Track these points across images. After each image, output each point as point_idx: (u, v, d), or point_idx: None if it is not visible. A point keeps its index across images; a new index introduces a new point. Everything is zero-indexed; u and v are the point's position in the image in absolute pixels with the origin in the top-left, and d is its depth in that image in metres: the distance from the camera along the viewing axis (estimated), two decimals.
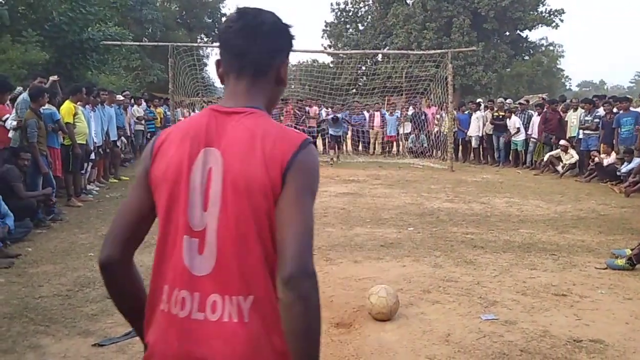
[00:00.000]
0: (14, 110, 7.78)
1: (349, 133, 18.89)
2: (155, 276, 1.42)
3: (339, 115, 16.53)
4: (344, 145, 19.09)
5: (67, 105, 8.47)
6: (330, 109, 18.11)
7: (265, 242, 1.35)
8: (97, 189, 10.04)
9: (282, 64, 1.51)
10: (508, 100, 17.92)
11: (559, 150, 13.12)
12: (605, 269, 5.34)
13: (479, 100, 18.45)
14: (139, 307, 1.46)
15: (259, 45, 1.44)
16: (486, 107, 16.19)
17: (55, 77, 9.26)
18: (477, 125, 15.88)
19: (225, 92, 1.48)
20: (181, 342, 1.36)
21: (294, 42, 1.53)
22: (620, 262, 5.34)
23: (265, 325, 1.35)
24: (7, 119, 7.47)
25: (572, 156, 12.85)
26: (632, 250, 5.44)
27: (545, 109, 14.22)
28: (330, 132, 16.33)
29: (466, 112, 16.48)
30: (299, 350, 1.30)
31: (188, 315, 1.36)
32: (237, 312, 1.34)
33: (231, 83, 1.47)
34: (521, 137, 14.69)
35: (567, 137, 13.25)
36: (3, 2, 12.73)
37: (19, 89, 8.92)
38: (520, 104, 16.32)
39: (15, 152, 7.15)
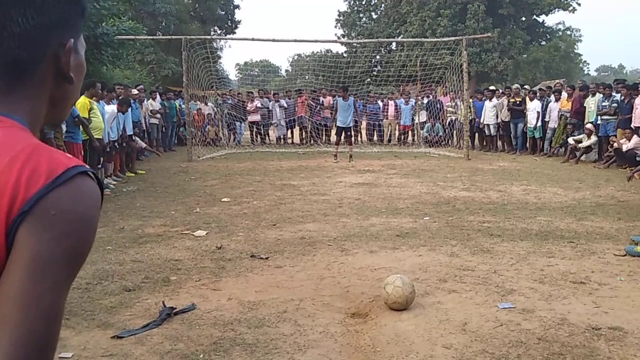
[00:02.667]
0: None
1: (364, 123, 18.84)
2: None
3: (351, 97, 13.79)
4: (359, 136, 19.00)
5: (83, 101, 8.54)
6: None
7: None
8: (114, 183, 10.13)
9: (64, 48, 0.90)
10: (526, 86, 17.73)
11: (583, 135, 12.95)
12: (624, 255, 5.27)
13: (492, 87, 18.24)
14: None
15: (12, 21, 0.86)
16: (502, 94, 16.01)
17: None
18: (494, 112, 15.74)
19: None
20: None
21: (80, 5, 0.94)
22: None
23: None
24: None
25: (590, 139, 12.73)
26: None
27: (578, 94, 13.89)
28: (338, 122, 13.53)
29: (483, 100, 16.32)
30: None
31: None
32: None
33: None
34: (535, 123, 14.52)
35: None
36: None
37: None
38: (540, 89, 16.11)
39: None
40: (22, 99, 0.89)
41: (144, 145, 13.02)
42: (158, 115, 15.30)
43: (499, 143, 16.45)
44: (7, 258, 0.77)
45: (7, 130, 0.85)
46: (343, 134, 13.70)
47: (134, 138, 11.69)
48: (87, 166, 0.85)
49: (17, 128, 0.86)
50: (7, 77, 0.88)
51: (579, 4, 33.88)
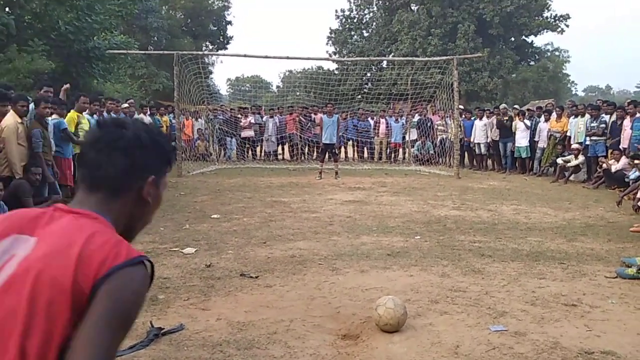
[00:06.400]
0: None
1: (355, 140, 18.87)
2: None
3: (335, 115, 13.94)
4: (347, 153, 19.04)
5: (70, 115, 8.51)
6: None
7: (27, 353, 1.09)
8: None
9: (147, 183, 1.34)
10: (515, 106, 17.88)
11: (571, 156, 13.07)
12: (616, 277, 5.27)
13: (460, 106, 18.34)
14: None
15: (114, 162, 1.29)
16: (492, 113, 16.11)
17: (65, 86, 9.32)
18: (484, 131, 15.82)
19: (74, 201, 1.33)
20: None
21: (166, 156, 1.40)
22: (631, 271, 5.26)
23: None
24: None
25: (577, 159, 12.87)
26: None
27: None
28: (324, 139, 13.57)
29: (472, 119, 16.43)
30: None
31: None
32: None
33: (81, 194, 1.32)
34: (524, 142, 14.64)
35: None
36: (9, 11, 12.80)
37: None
38: (529, 110, 16.25)
39: (26, 167, 7.14)
40: (113, 209, 1.31)
41: None
42: None
43: (489, 162, 16.54)
44: (88, 303, 1.13)
45: (101, 225, 1.25)
46: (328, 151, 13.72)
47: None
48: (147, 257, 1.24)
49: (107, 225, 1.27)
50: (107, 194, 1.31)
51: (567, 26, 34.45)
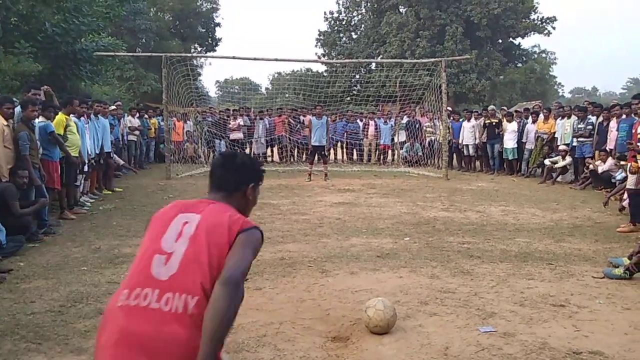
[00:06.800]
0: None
1: (344, 142, 18.87)
2: (122, 285, 2.11)
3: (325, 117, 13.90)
4: (336, 154, 19.05)
5: (59, 118, 8.42)
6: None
7: (212, 271, 2.06)
8: (91, 201, 9.95)
9: (248, 188, 2.43)
10: (503, 107, 17.96)
11: (559, 157, 13.17)
12: (603, 278, 5.31)
13: (448, 108, 18.43)
14: None
15: (229, 176, 2.41)
16: (480, 115, 16.18)
17: (45, 87, 9.20)
18: (472, 133, 15.89)
19: (209, 197, 2.41)
20: (139, 323, 1.96)
21: (259, 174, 2.49)
22: (618, 271, 5.31)
23: (201, 319, 1.95)
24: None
25: (564, 160, 12.96)
26: (629, 258, 5.42)
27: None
28: (313, 141, 13.53)
29: (460, 120, 16.49)
30: (212, 320, 1.91)
31: (147, 305, 2.00)
32: (184, 306, 1.99)
33: (212, 194, 2.41)
34: (511, 144, 14.72)
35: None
36: None
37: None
38: (516, 111, 16.33)
39: (13, 170, 7.05)
40: (230, 202, 2.36)
41: (121, 162, 12.86)
42: (137, 132, 15.14)
43: (477, 163, 16.61)
44: (229, 249, 2.12)
45: (231, 208, 2.29)
46: (317, 153, 13.70)
47: (111, 155, 11.53)
48: (259, 226, 2.25)
49: (232, 209, 2.30)
50: (226, 194, 2.39)
51: (554, 28, 34.80)
